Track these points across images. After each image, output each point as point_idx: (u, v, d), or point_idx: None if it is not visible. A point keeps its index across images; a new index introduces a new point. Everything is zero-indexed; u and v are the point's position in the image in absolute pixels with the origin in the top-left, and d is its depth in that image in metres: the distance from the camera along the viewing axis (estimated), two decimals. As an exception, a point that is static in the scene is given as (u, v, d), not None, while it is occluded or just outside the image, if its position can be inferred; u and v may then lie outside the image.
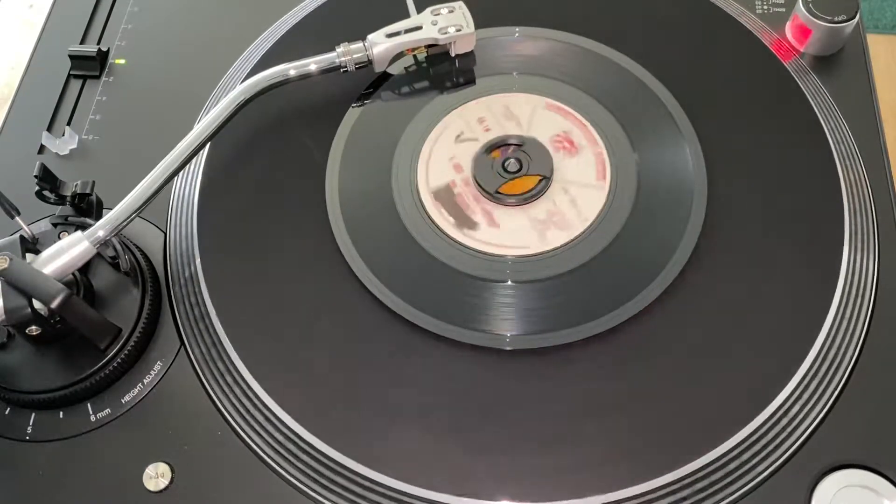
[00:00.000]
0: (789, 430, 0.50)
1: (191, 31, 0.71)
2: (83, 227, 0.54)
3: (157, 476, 0.50)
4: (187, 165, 0.57)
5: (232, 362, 0.54)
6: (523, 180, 0.59)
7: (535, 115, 0.62)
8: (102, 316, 0.53)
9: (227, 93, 0.63)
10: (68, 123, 0.65)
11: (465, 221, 0.58)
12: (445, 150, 0.61)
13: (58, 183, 0.55)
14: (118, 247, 0.55)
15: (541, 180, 0.59)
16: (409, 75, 0.65)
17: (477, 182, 0.59)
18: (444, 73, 0.65)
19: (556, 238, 0.57)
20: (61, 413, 0.53)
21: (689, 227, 0.57)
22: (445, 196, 0.59)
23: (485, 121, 0.62)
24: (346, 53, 0.61)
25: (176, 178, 0.57)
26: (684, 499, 0.48)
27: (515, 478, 0.49)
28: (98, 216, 0.56)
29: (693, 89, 0.63)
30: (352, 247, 0.57)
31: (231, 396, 0.53)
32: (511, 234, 0.57)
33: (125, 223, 0.53)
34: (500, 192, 0.59)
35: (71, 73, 0.68)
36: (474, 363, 0.53)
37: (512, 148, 0.61)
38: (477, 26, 0.63)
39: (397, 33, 0.62)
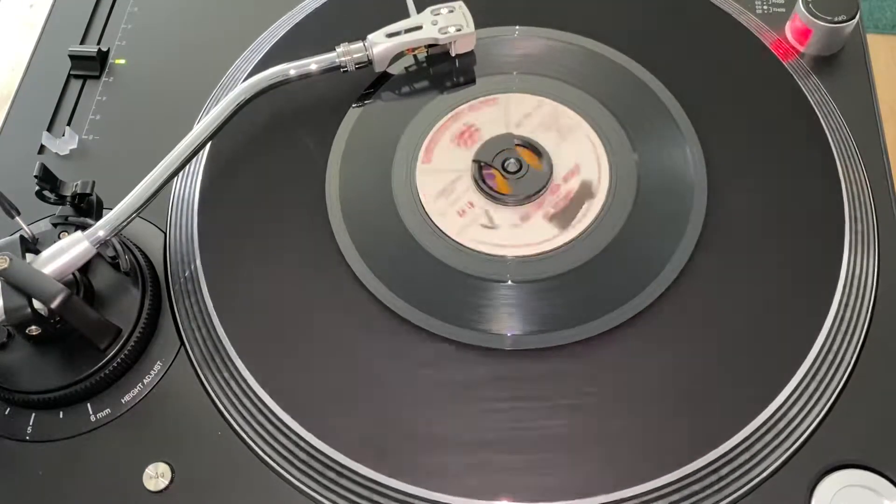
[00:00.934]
0: (789, 430, 0.50)
1: (191, 31, 0.71)
2: (83, 227, 0.54)
3: (157, 476, 0.50)
4: (187, 165, 0.57)
5: (232, 362, 0.54)
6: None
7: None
8: (102, 316, 0.53)
9: (227, 93, 0.63)
10: (68, 123, 0.65)
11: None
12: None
13: (58, 183, 0.55)
14: (118, 247, 0.55)
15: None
16: (409, 75, 0.65)
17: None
18: (444, 72, 0.65)
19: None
20: (61, 413, 0.53)
21: (689, 227, 0.57)
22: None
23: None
24: (346, 53, 0.61)
25: (176, 178, 0.57)
26: (684, 499, 0.48)
27: (515, 478, 0.49)
28: (98, 216, 0.56)
29: (693, 89, 0.63)
30: (352, 247, 0.57)
31: (231, 396, 0.53)
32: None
33: (125, 223, 0.53)
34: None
35: (71, 73, 0.68)
36: (474, 363, 0.53)
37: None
38: (477, 26, 0.63)
39: (397, 33, 0.62)
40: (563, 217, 0.58)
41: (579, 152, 0.61)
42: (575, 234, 0.57)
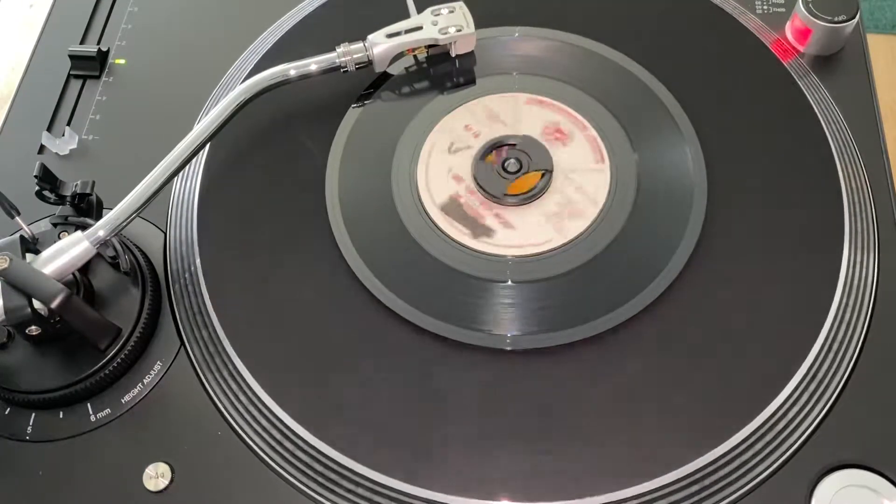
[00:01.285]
0: (789, 430, 0.50)
1: (191, 31, 0.71)
2: (83, 227, 0.54)
3: (157, 476, 0.50)
4: (187, 165, 0.57)
5: (232, 362, 0.54)
6: (525, 178, 0.59)
7: (523, 113, 0.62)
8: (102, 316, 0.53)
9: (227, 93, 0.63)
10: (68, 123, 0.65)
11: (478, 230, 0.58)
12: (443, 156, 0.61)
13: (58, 183, 0.55)
14: (118, 247, 0.55)
15: (543, 175, 0.59)
16: (409, 75, 0.65)
17: (480, 187, 0.59)
18: (444, 73, 0.65)
19: (557, 238, 0.57)
20: (61, 413, 0.53)
21: (689, 227, 0.57)
22: (454, 208, 0.59)
23: (473, 126, 0.62)
24: (346, 54, 0.61)
25: (176, 178, 0.57)
26: (684, 499, 0.48)
27: (515, 477, 0.49)
28: (98, 216, 0.56)
29: (693, 89, 0.63)
30: (352, 247, 0.57)
31: (231, 396, 0.53)
32: (513, 235, 0.57)
33: (125, 223, 0.53)
34: (505, 194, 0.59)
35: (71, 73, 0.68)
36: (474, 363, 0.53)
37: (508, 148, 0.60)
38: (477, 26, 0.63)
39: (398, 33, 0.62)
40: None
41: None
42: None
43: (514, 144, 0.61)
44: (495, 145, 0.61)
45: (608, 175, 0.60)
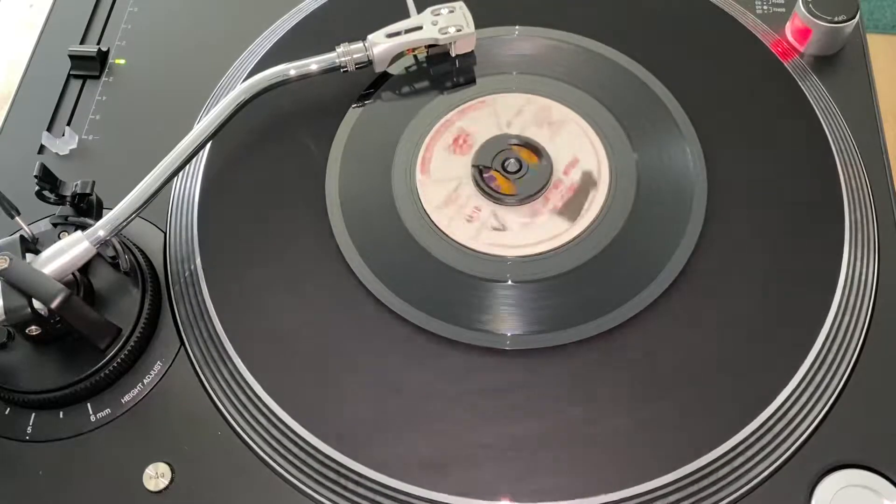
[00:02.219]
0: (789, 430, 0.50)
1: (191, 31, 0.71)
2: (83, 227, 0.54)
3: (157, 476, 0.50)
4: (187, 165, 0.57)
5: (232, 362, 0.54)
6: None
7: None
8: (102, 316, 0.53)
9: (227, 93, 0.63)
10: (68, 123, 0.65)
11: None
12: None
13: (58, 183, 0.55)
14: (118, 247, 0.55)
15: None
16: (409, 75, 0.65)
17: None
18: (444, 73, 0.65)
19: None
20: (61, 413, 0.53)
21: (689, 227, 0.57)
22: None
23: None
24: (346, 53, 0.61)
25: (176, 178, 0.57)
26: (684, 499, 0.48)
27: (515, 477, 0.49)
28: (98, 216, 0.56)
29: (693, 89, 0.63)
30: (352, 247, 0.57)
31: (231, 396, 0.53)
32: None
33: (125, 223, 0.53)
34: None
35: (71, 73, 0.68)
36: (474, 363, 0.53)
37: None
38: (477, 26, 0.63)
39: (397, 33, 0.62)
40: (571, 209, 0.58)
41: (575, 144, 0.60)
42: (574, 235, 0.57)
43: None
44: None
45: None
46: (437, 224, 0.58)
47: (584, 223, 0.57)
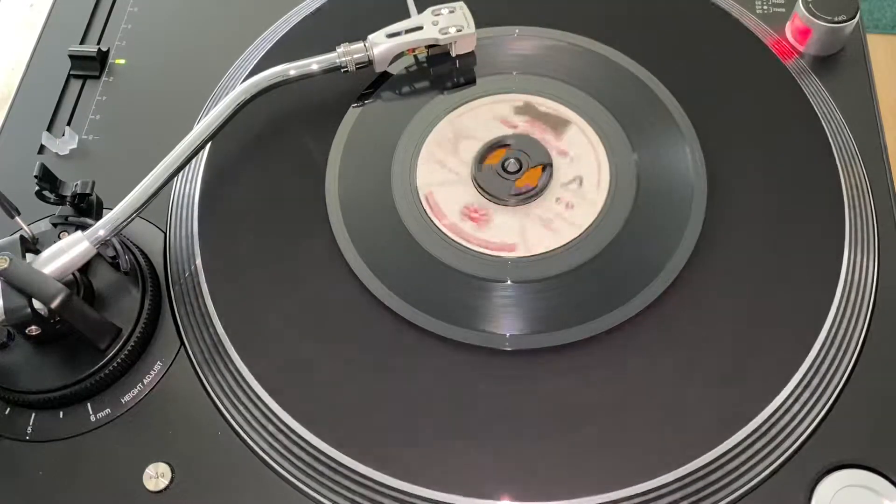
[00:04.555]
0: (789, 430, 0.50)
1: (191, 31, 0.71)
2: (83, 227, 0.54)
3: (157, 476, 0.50)
4: (187, 165, 0.57)
5: (232, 362, 0.54)
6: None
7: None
8: (102, 316, 0.53)
9: (227, 93, 0.63)
10: (68, 123, 0.65)
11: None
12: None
13: (58, 183, 0.55)
14: (118, 247, 0.55)
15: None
16: (409, 75, 0.65)
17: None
18: (444, 73, 0.65)
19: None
20: (61, 413, 0.53)
21: (689, 227, 0.57)
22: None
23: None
24: (346, 53, 0.61)
25: (176, 178, 0.57)
26: (684, 498, 0.48)
27: (515, 477, 0.49)
28: (98, 216, 0.56)
29: (693, 89, 0.63)
30: (352, 247, 0.57)
31: (231, 396, 0.53)
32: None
33: (125, 223, 0.53)
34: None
35: (71, 73, 0.68)
36: (474, 363, 0.53)
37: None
38: (477, 26, 0.63)
39: (398, 33, 0.62)
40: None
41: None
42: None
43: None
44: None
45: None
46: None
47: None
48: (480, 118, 0.63)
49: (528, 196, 0.59)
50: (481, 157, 0.60)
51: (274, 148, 0.62)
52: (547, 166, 0.59)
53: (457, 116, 0.63)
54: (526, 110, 0.63)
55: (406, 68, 0.66)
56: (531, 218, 0.58)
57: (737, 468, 0.49)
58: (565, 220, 0.58)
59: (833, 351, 0.52)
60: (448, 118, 0.63)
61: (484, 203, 0.59)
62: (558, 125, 0.62)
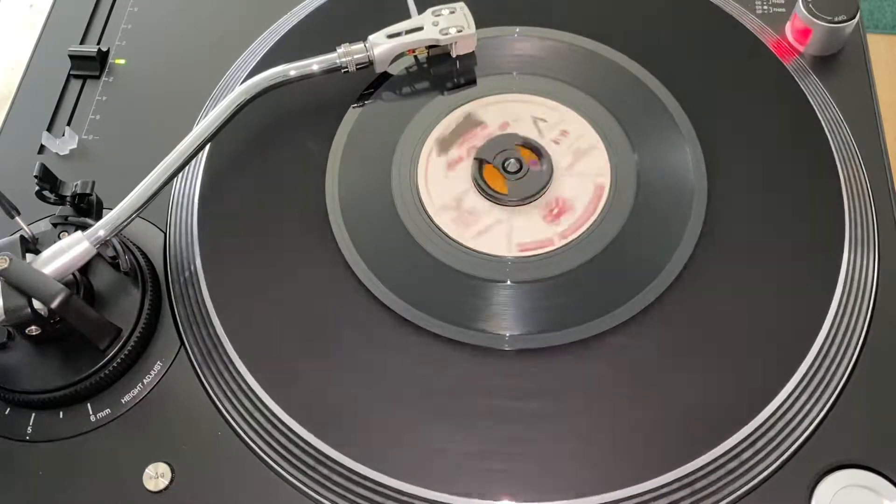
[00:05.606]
0: (789, 430, 0.50)
1: (191, 31, 0.71)
2: (83, 227, 0.54)
3: (157, 476, 0.50)
4: (187, 165, 0.57)
5: (232, 362, 0.54)
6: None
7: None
8: (102, 316, 0.53)
9: (227, 93, 0.63)
10: (68, 123, 0.65)
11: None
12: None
13: (58, 183, 0.55)
14: (118, 247, 0.55)
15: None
16: (409, 76, 0.65)
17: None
18: (444, 73, 0.65)
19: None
20: (61, 413, 0.53)
21: (689, 227, 0.57)
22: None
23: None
24: (346, 54, 0.61)
25: (176, 178, 0.57)
26: (684, 498, 0.48)
27: (515, 477, 0.49)
28: (98, 216, 0.56)
29: (693, 89, 0.63)
30: (352, 247, 0.57)
31: (231, 396, 0.53)
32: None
33: (125, 223, 0.53)
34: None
35: (71, 73, 0.68)
36: (474, 363, 0.53)
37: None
38: (477, 27, 0.63)
39: (398, 34, 0.62)
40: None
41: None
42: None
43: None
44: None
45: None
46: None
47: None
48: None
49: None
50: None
51: (274, 148, 0.62)
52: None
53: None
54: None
55: (406, 69, 0.66)
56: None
57: (737, 468, 0.49)
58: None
59: (833, 351, 0.52)
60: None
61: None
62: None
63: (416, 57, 0.65)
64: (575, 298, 0.55)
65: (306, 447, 0.51)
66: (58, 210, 0.56)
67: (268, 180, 0.61)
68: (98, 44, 0.69)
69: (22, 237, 0.52)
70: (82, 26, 0.71)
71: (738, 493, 0.49)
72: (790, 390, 0.51)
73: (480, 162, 0.60)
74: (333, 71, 0.62)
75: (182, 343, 0.55)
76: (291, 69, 0.60)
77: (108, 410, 0.53)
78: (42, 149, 0.64)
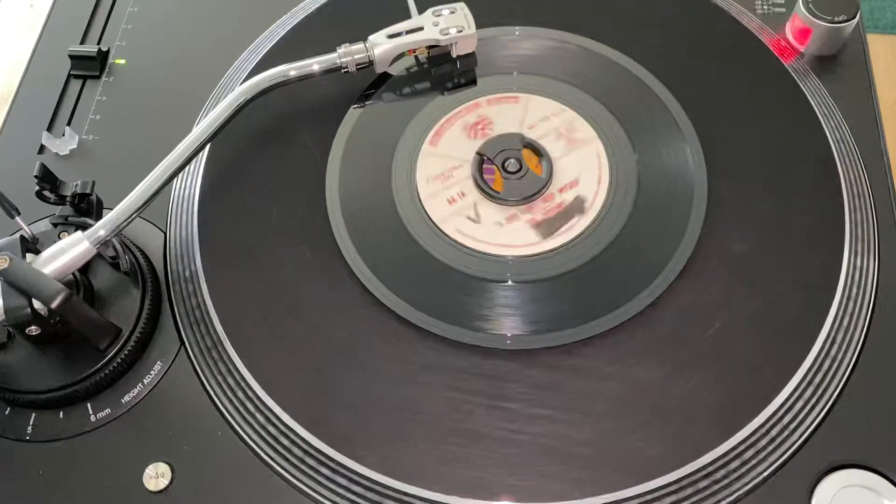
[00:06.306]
0: (789, 430, 0.50)
1: (191, 31, 0.71)
2: (83, 227, 0.54)
3: (157, 476, 0.50)
4: (187, 165, 0.57)
5: (232, 362, 0.54)
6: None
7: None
8: (102, 316, 0.53)
9: (227, 93, 0.63)
10: (68, 123, 0.65)
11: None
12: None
13: (58, 183, 0.55)
14: (118, 247, 0.55)
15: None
16: (410, 76, 0.65)
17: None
18: (444, 73, 0.65)
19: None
20: (61, 413, 0.53)
21: (689, 226, 0.57)
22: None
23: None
24: (347, 54, 0.61)
25: (176, 178, 0.57)
26: (685, 498, 0.48)
27: (515, 477, 0.49)
28: (98, 216, 0.56)
29: (693, 89, 0.63)
30: (352, 247, 0.57)
31: (231, 396, 0.53)
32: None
33: (125, 223, 0.53)
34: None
35: (71, 73, 0.68)
36: (474, 363, 0.53)
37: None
38: (477, 26, 0.63)
39: (399, 34, 0.62)
40: (548, 227, 0.58)
41: (583, 166, 0.60)
42: (574, 235, 0.57)
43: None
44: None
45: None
46: (437, 224, 0.58)
47: (583, 225, 0.57)
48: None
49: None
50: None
51: (274, 148, 0.62)
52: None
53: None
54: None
55: (406, 69, 0.66)
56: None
57: (737, 468, 0.49)
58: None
59: (833, 351, 0.52)
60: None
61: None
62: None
63: (416, 57, 0.66)
64: (575, 299, 0.55)
65: (306, 447, 0.51)
66: (58, 210, 0.56)
67: (268, 180, 0.61)
68: (98, 44, 0.69)
69: (22, 237, 0.52)
70: (82, 26, 0.71)
71: (739, 493, 0.49)
72: (791, 390, 0.51)
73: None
74: (334, 71, 0.62)
75: (182, 343, 0.55)
76: (291, 69, 0.60)
77: (108, 410, 0.53)
78: (42, 149, 0.64)
